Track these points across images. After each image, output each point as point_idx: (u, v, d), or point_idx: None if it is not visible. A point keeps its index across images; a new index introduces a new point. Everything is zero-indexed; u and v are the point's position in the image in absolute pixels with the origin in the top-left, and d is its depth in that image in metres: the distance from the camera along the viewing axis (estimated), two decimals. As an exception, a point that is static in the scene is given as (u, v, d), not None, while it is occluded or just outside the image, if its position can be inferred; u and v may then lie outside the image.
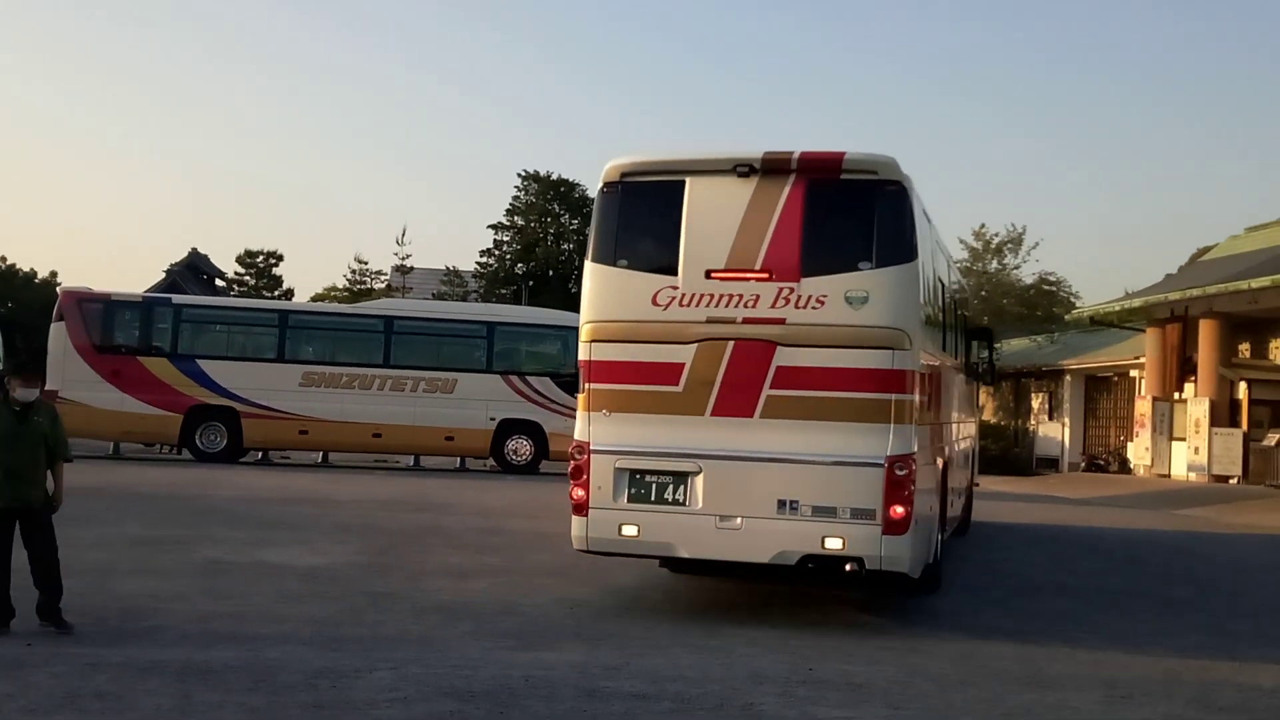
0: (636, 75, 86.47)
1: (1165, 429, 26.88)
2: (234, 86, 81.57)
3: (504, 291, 46.61)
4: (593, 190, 8.49)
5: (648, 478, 7.97)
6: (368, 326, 22.62)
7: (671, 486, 7.91)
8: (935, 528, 9.09)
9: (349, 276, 48.25)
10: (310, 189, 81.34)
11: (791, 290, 7.75)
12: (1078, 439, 32.09)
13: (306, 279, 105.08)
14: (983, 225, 37.13)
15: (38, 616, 7.03)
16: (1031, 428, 34.24)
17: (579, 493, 8.10)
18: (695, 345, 7.89)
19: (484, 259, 49.37)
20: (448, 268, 47.57)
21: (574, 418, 8.60)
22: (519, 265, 48.70)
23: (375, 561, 10.22)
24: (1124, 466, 29.34)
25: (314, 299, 47.33)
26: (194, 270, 48.66)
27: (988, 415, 31.00)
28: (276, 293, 49.39)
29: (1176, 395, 27.02)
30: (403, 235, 58.00)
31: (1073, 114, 78.46)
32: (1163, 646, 7.87)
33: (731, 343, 7.84)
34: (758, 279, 7.82)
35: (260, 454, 23.28)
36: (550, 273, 47.16)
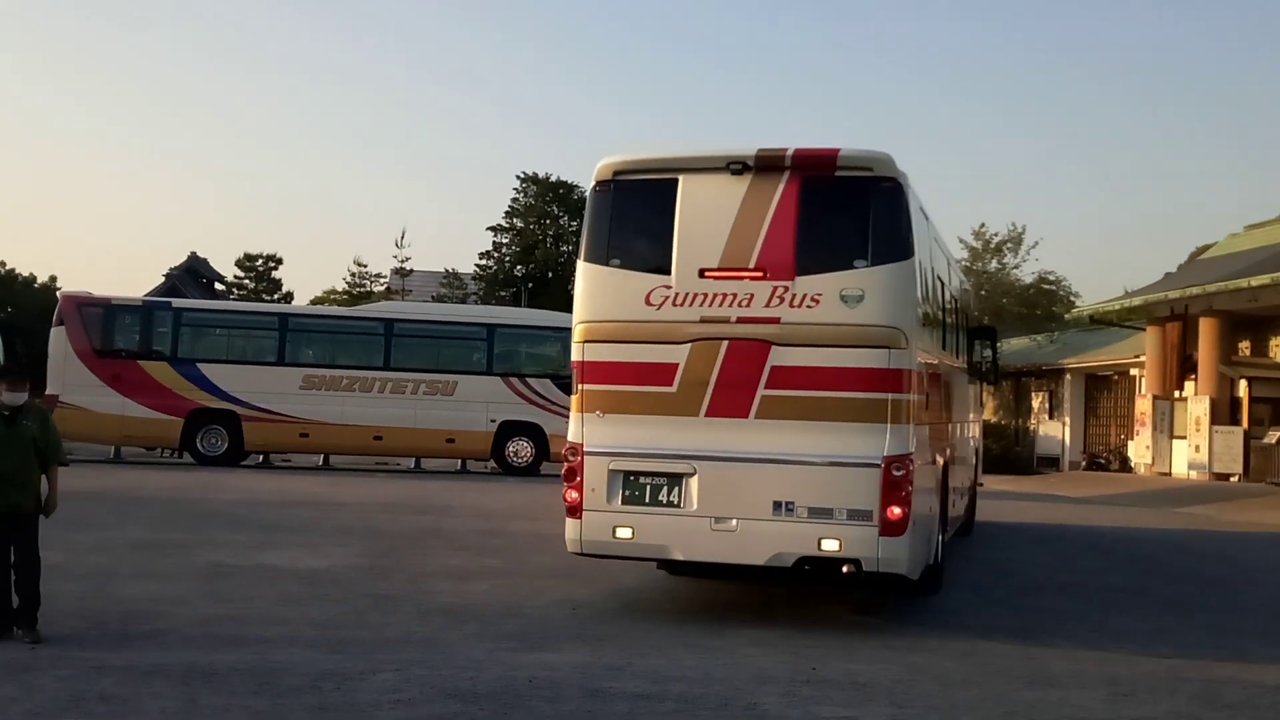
0: (635, 76, 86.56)
1: (1166, 427, 26.90)
2: (232, 89, 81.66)
3: (503, 293, 46.62)
4: (591, 192, 8.39)
5: (642, 479, 7.89)
6: (368, 329, 22.65)
7: (666, 488, 7.83)
8: (935, 529, 9.01)
9: (348, 279, 48.32)
10: (309, 192, 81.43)
11: (786, 289, 7.67)
12: (1078, 438, 32.11)
13: (306, 282, 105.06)
14: (982, 225, 37.22)
15: (10, 622, 6.90)
16: (1032, 427, 34.27)
17: (572, 495, 8.03)
18: (689, 345, 7.81)
19: (483, 261, 49.40)
20: (447, 270, 47.61)
21: None
22: (518, 267, 48.72)
23: (377, 564, 10.22)
24: (1125, 465, 29.36)
25: (313, 302, 47.33)
26: (193, 274, 48.70)
27: (988, 415, 30.99)
28: (276, 296, 49.42)
29: (1177, 393, 27.04)
30: (402, 238, 57.62)
31: (1071, 113, 78.54)
32: (1166, 644, 7.87)
33: (726, 342, 7.76)
34: (752, 278, 7.74)
35: (261, 457, 23.29)
36: (550, 274, 47.16)
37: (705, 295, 7.80)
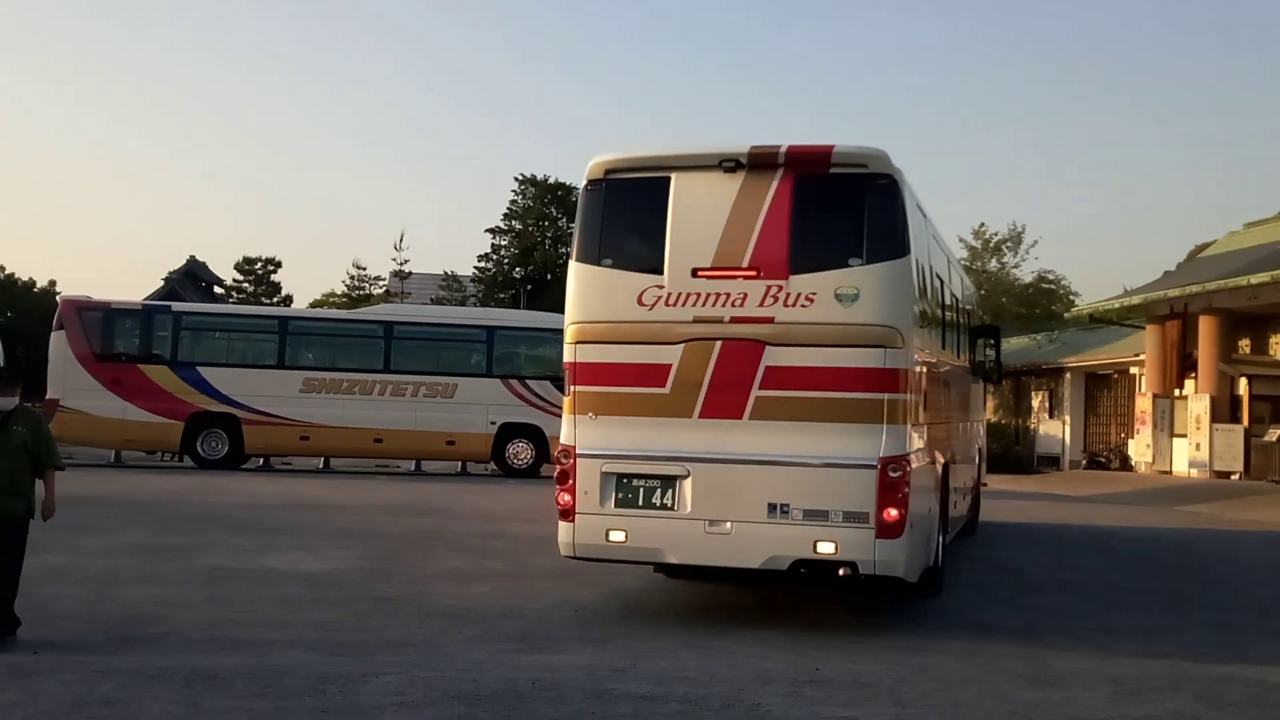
0: (635, 79, 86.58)
1: (1166, 426, 26.90)
2: (231, 92, 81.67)
3: (502, 295, 46.65)
4: (589, 193, 8.29)
5: (635, 482, 7.78)
6: (367, 332, 22.65)
7: (659, 490, 7.73)
8: (935, 530, 8.90)
9: (348, 282, 48.38)
10: (308, 195, 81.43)
11: (780, 288, 7.56)
12: (1078, 437, 32.11)
13: (305, 285, 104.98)
14: (982, 224, 37.23)
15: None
16: (1032, 426, 34.25)
17: (565, 498, 7.94)
18: (682, 346, 7.71)
19: (482, 263, 49.43)
20: (446, 272, 47.64)
21: None
22: (517, 269, 48.75)
23: (378, 566, 10.22)
24: (1125, 464, 29.35)
25: (313, 305, 47.34)
26: (193, 278, 48.75)
27: (989, 414, 30.99)
28: (275, 299, 49.43)
29: (1177, 392, 27.04)
30: (401, 241, 58.19)
31: (1070, 112, 78.56)
32: (1168, 643, 7.87)
33: (719, 343, 7.66)
34: (745, 277, 7.64)
35: (261, 460, 23.28)
36: (548, 276, 47.18)
37: (698, 295, 7.71)
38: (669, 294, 7.77)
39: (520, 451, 22.00)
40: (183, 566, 9.83)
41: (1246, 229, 29.47)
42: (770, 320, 7.56)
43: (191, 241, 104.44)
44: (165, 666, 6.31)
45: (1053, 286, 36.16)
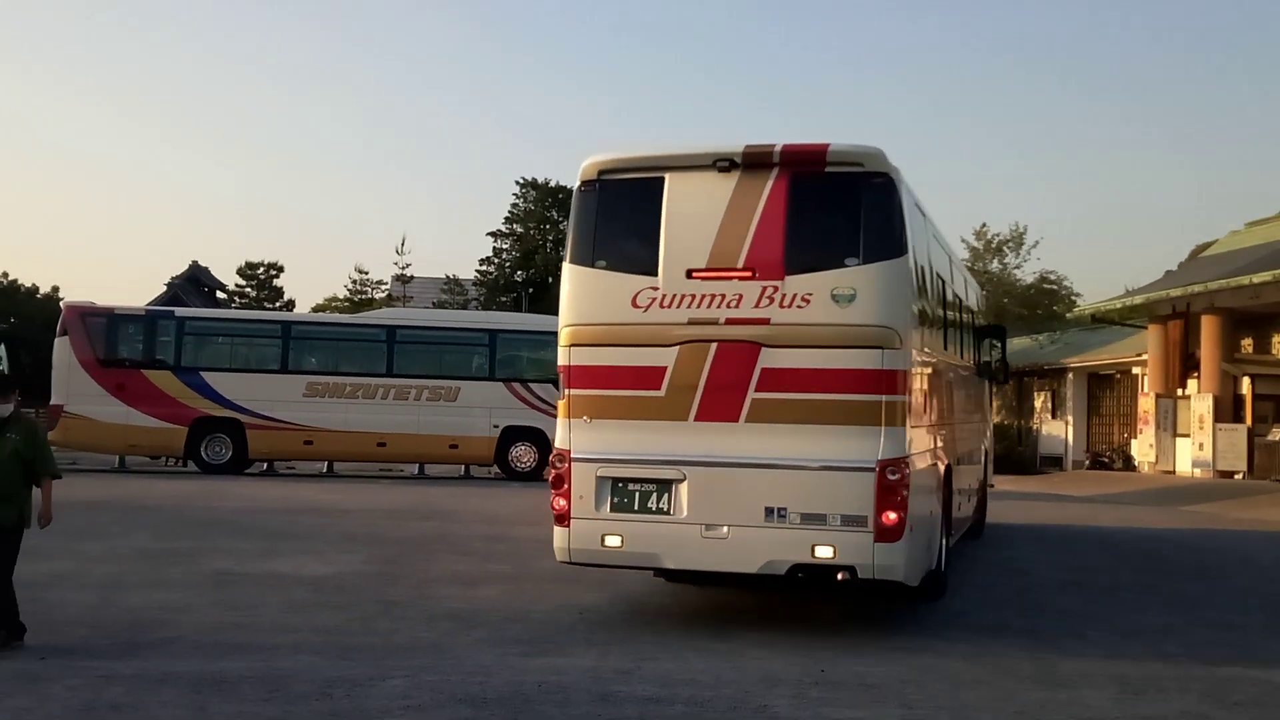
0: (636, 83, 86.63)
1: (1169, 425, 26.89)
2: (232, 98, 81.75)
3: (504, 299, 46.72)
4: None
5: (630, 486, 7.68)
6: (370, 336, 22.69)
7: (655, 495, 7.63)
8: (937, 533, 8.78)
9: (350, 287, 48.45)
10: (310, 200, 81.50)
11: (776, 289, 7.44)
12: (1081, 437, 32.11)
13: (307, 290, 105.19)
14: (983, 225, 37.21)
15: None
16: (1035, 426, 34.24)
17: (560, 503, 7.86)
18: (677, 348, 7.60)
19: (484, 267, 49.52)
20: (448, 276, 47.72)
21: None
22: (518, 272, 48.84)
23: (383, 570, 10.23)
24: (1128, 464, 29.34)
25: (315, 310, 47.40)
26: (195, 283, 48.75)
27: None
28: (278, 304, 49.48)
29: (1180, 391, 27.04)
30: (402, 245, 58.13)
31: (1071, 112, 78.56)
32: (1173, 642, 7.86)
33: (714, 345, 7.55)
34: (740, 278, 7.52)
35: (265, 465, 23.31)
36: (550, 279, 47.15)
37: (693, 296, 7.60)
38: (663, 295, 7.66)
39: (523, 455, 22.03)
40: (188, 571, 9.84)
41: (1248, 228, 29.47)
42: (766, 321, 7.46)
43: (194, 247, 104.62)
44: (172, 671, 6.32)
45: (1054, 287, 36.12)
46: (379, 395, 21.70)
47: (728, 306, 7.53)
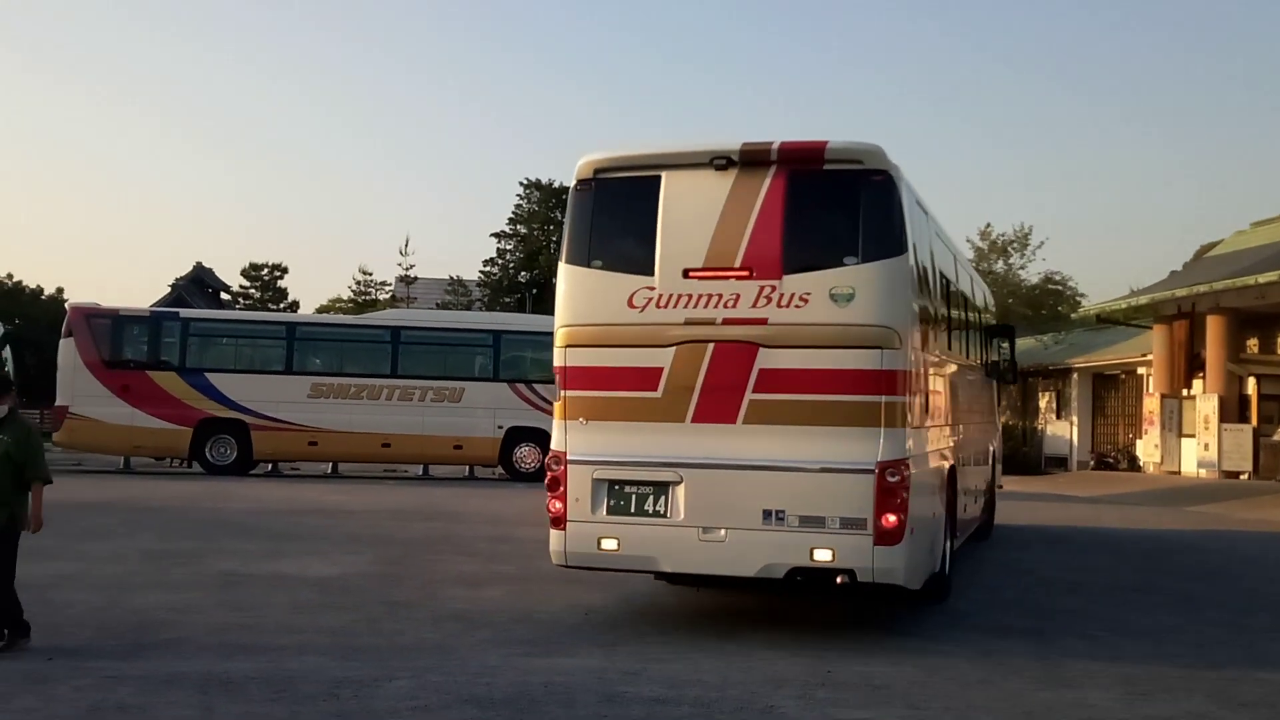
0: (639, 83, 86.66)
1: (1174, 426, 26.85)
2: (235, 99, 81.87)
3: (508, 300, 46.73)
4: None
5: (627, 488, 7.58)
6: (375, 337, 22.72)
7: (652, 497, 7.52)
8: (940, 535, 8.68)
9: (354, 288, 48.43)
10: (314, 201, 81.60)
11: (773, 288, 7.32)
12: (1086, 437, 32.07)
13: (311, 291, 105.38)
14: (988, 225, 37.20)
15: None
16: (1039, 427, 34.20)
17: (556, 505, 7.75)
18: (674, 349, 7.49)
19: (487, 268, 49.52)
20: (451, 277, 47.74)
21: None
22: (522, 273, 48.85)
23: (388, 571, 10.23)
24: (1133, 464, 29.30)
25: (319, 311, 47.45)
26: (199, 284, 48.86)
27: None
28: (282, 305, 49.53)
29: (1185, 392, 27.00)
30: (406, 246, 58.08)
31: (1076, 112, 78.47)
32: (1180, 643, 7.85)
33: (711, 345, 7.43)
34: (738, 277, 7.40)
35: (270, 466, 23.34)
36: (554, 280, 47.18)
37: (690, 296, 7.48)
38: (660, 295, 7.56)
39: (527, 455, 22.04)
40: (193, 572, 9.85)
41: (1253, 228, 29.41)
42: (764, 321, 7.35)
43: (198, 248, 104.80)
44: (179, 672, 6.33)
45: (1059, 287, 36.15)
46: (383, 396, 21.73)
47: (725, 306, 7.43)
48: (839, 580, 7.23)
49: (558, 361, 7.98)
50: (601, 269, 7.84)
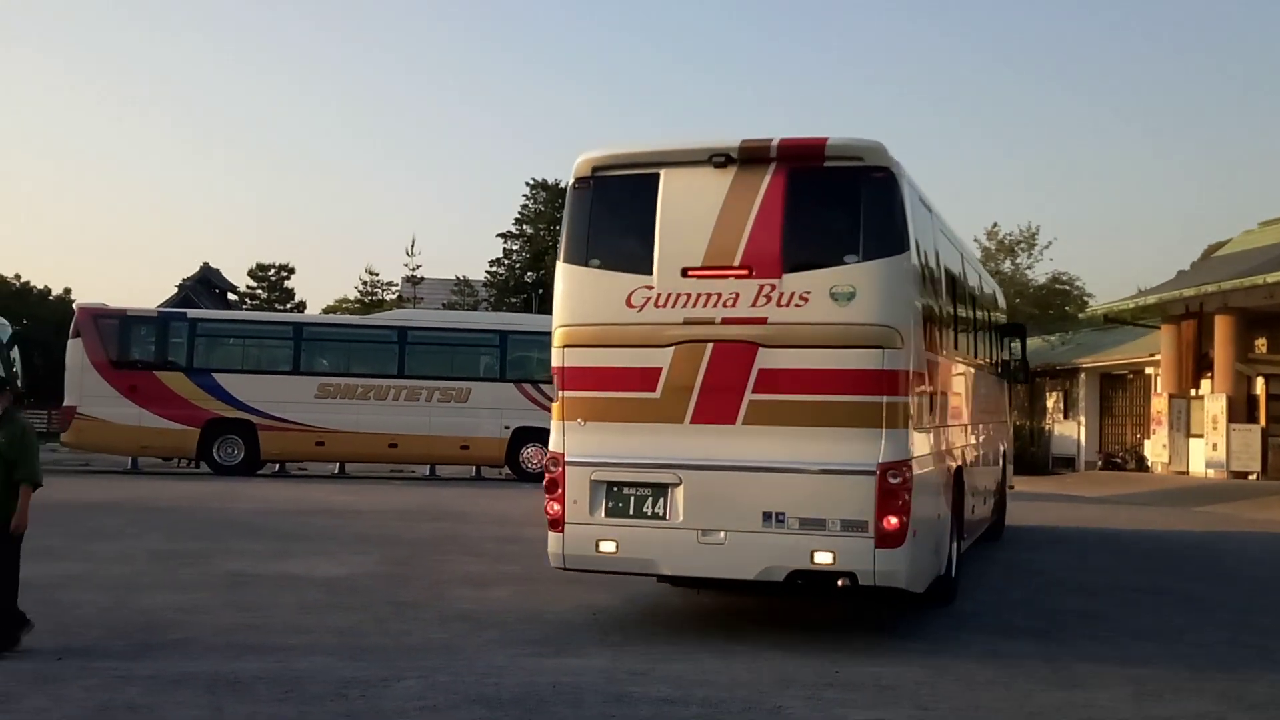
0: (642, 83, 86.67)
1: (1182, 426, 26.78)
2: (242, 100, 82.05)
3: (514, 300, 46.75)
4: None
5: (625, 490, 7.48)
6: (381, 338, 22.77)
7: (651, 499, 7.41)
8: (946, 537, 8.56)
9: (360, 288, 48.54)
10: (320, 201, 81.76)
11: (773, 287, 7.20)
12: (1094, 437, 31.99)
13: (318, 292, 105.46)
14: (995, 225, 37.13)
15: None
16: (1047, 427, 34.13)
17: (554, 507, 7.66)
18: (672, 349, 7.38)
19: (494, 268, 49.56)
20: (458, 277, 47.81)
21: None
22: (529, 273, 48.86)
23: (396, 571, 10.24)
24: (1141, 464, 29.22)
25: (326, 311, 47.53)
26: (206, 284, 49.00)
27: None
28: (288, 305, 49.64)
29: (1193, 392, 26.92)
30: (412, 246, 58.20)
31: (1082, 112, 78.29)
32: (1188, 643, 7.82)
33: (710, 345, 7.31)
34: (737, 276, 7.29)
35: (277, 466, 23.38)
36: (560, 280, 47.24)
37: (688, 295, 7.36)
38: (658, 295, 7.44)
39: (534, 455, 22.03)
40: (201, 572, 9.87)
41: (1261, 227, 29.33)
42: (763, 321, 7.23)
43: (205, 249, 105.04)
44: (187, 672, 6.34)
45: (1067, 287, 36.04)
46: (390, 396, 21.77)
47: (724, 306, 7.31)
48: (840, 583, 7.13)
49: (555, 362, 7.89)
50: (600, 268, 7.75)
